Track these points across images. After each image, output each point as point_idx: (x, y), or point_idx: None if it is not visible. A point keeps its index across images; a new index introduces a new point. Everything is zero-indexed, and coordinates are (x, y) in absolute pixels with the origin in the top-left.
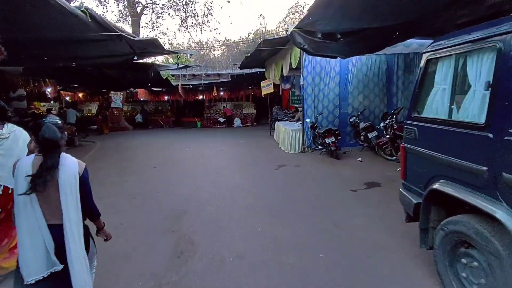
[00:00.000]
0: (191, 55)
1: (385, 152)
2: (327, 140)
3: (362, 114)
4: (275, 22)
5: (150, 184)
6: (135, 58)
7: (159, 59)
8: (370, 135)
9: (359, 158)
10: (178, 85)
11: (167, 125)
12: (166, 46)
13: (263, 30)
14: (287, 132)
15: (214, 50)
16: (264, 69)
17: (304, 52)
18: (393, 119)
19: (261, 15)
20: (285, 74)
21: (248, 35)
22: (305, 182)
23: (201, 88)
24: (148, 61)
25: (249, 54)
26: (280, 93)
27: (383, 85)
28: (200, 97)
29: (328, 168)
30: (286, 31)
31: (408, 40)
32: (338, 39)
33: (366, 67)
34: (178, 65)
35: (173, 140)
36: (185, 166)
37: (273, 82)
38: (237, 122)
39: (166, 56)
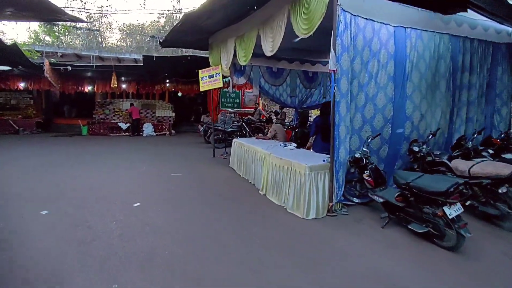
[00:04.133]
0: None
1: None
2: (450, 212)
3: (432, 138)
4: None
5: None
6: None
7: None
8: None
9: None
10: (43, 64)
11: (27, 130)
12: None
13: (178, 16)
14: (294, 172)
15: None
16: (208, 51)
17: (338, 2)
18: None
19: None
20: (271, 52)
21: (158, 18)
22: None
23: (90, 74)
24: None
25: (191, 11)
26: (226, 88)
27: (447, 87)
28: (89, 88)
29: None
30: None
31: (475, 18)
32: None
33: (429, 53)
34: None
35: (20, 168)
36: None
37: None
38: (148, 129)
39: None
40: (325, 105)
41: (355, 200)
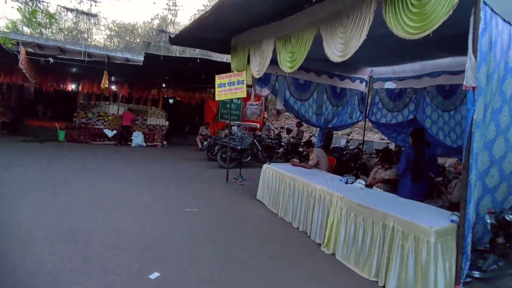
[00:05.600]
0: None
1: None
2: None
3: None
4: (187, 13)
5: None
6: None
7: None
8: None
9: None
10: (18, 52)
11: None
12: None
13: (173, 19)
14: (402, 236)
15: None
16: (222, 54)
17: None
18: None
19: None
20: (340, 58)
21: (152, 20)
22: None
23: (75, 70)
24: None
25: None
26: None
27: None
28: (72, 87)
29: None
30: None
31: None
32: None
33: None
34: None
35: None
36: None
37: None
38: (137, 138)
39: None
40: (419, 132)
41: (476, 274)
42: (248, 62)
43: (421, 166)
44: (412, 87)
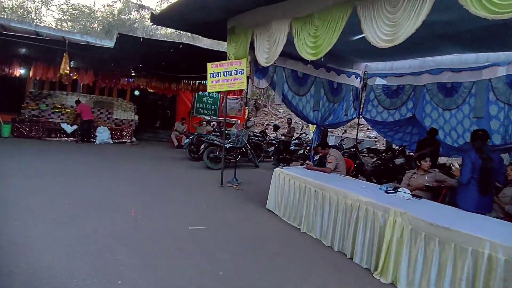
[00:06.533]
0: None
1: None
2: None
3: None
4: None
5: None
6: None
7: None
8: None
9: None
10: None
11: None
12: None
13: (138, 2)
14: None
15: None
16: (214, 40)
17: None
18: None
19: None
20: (387, 43)
21: (113, 3)
22: None
23: (24, 51)
24: None
25: None
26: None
27: None
28: (21, 72)
29: None
30: None
31: None
32: None
33: None
34: None
35: None
36: None
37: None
38: (103, 135)
39: None
40: (485, 134)
41: None
42: (251, 48)
43: (492, 175)
44: (411, 84)
